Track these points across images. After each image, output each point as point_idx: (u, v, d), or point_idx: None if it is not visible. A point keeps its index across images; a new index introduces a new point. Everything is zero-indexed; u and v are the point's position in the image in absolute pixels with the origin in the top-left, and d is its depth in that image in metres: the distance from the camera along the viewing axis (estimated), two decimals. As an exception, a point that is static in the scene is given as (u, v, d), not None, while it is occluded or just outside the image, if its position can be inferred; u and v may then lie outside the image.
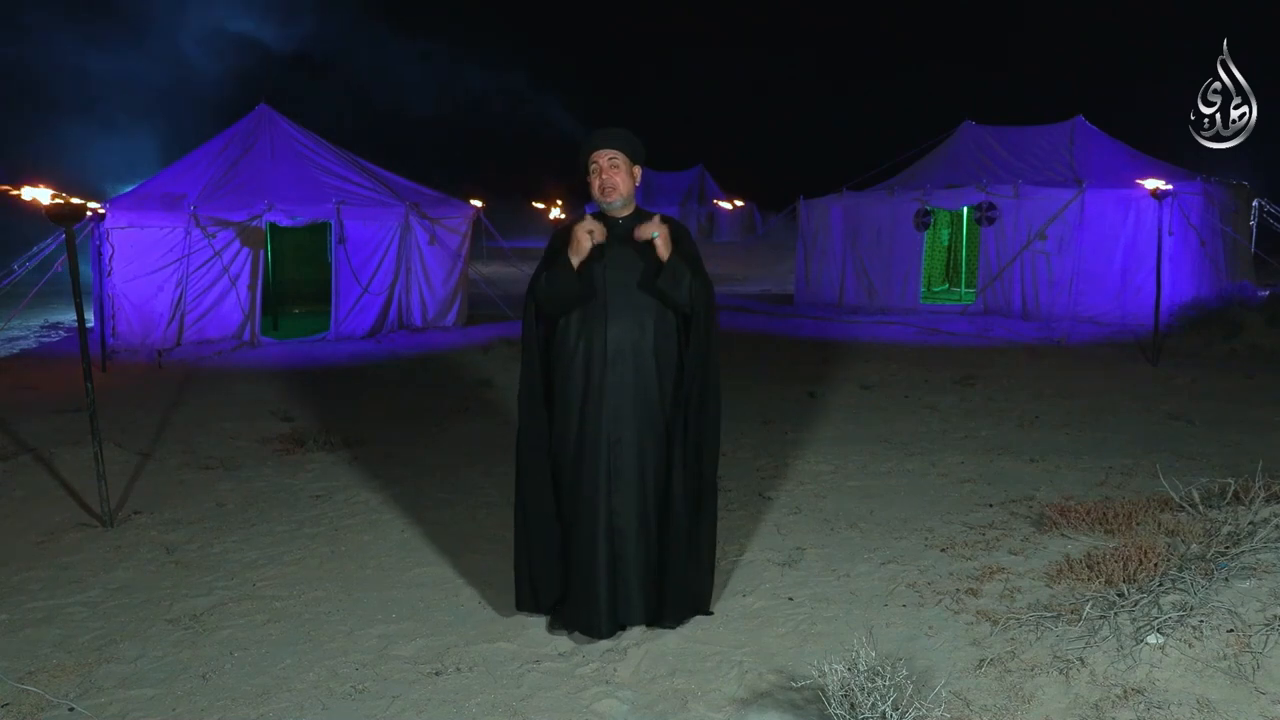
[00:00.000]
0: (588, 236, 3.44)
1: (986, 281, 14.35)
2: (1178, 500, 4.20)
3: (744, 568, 4.24)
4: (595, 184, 3.55)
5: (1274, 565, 3.35)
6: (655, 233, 3.45)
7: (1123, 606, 3.27)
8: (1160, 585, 3.34)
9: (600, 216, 3.61)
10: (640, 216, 3.61)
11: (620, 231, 3.56)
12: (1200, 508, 4.11)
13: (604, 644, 3.50)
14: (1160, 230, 10.52)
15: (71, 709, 3.18)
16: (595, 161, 3.54)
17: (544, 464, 3.58)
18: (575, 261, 3.46)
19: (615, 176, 3.53)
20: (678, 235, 3.62)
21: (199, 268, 12.09)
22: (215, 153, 13.29)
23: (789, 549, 4.46)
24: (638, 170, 3.60)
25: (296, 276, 16.19)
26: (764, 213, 37.31)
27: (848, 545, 4.49)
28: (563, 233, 3.70)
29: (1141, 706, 2.80)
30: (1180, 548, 3.69)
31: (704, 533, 3.67)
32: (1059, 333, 12.23)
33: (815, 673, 2.88)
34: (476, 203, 14.69)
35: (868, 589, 3.94)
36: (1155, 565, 3.50)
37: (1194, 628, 3.04)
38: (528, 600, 3.70)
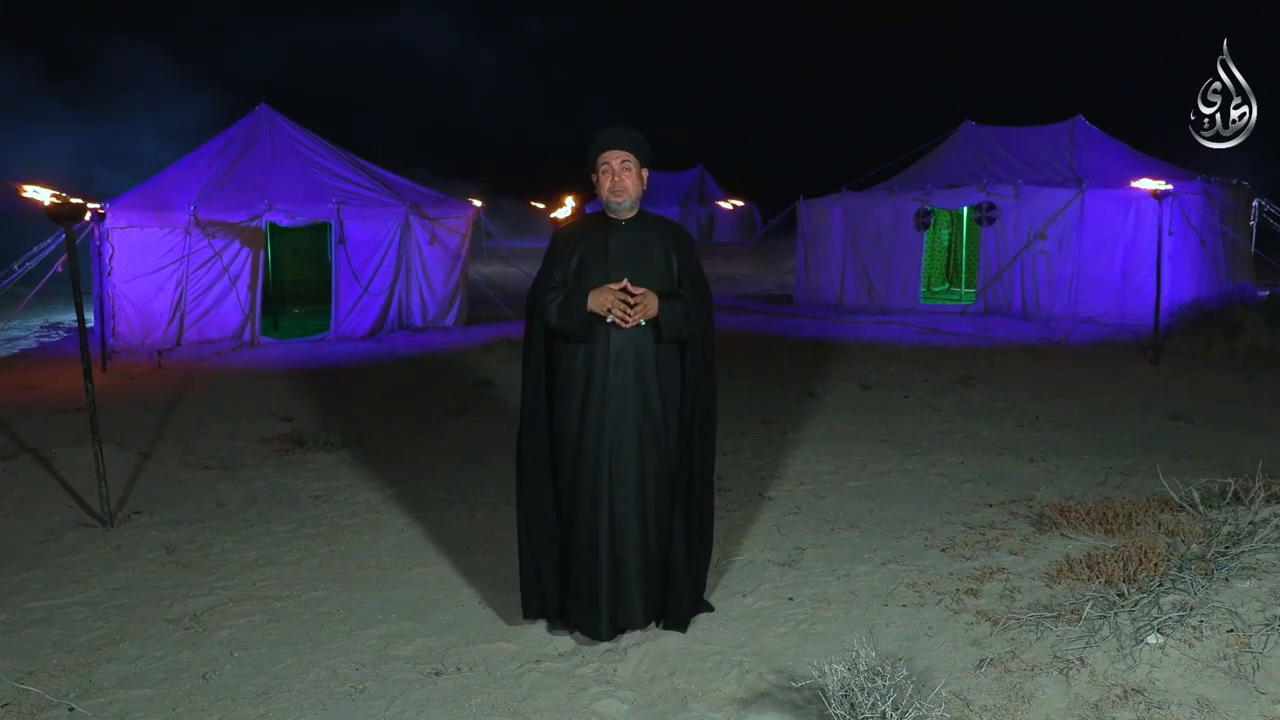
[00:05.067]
0: (605, 309, 3.40)
1: (986, 281, 14.35)
2: (1178, 500, 4.20)
3: (744, 568, 4.24)
4: (605, 183, 3.52)
5: (1274, 565, 3.35)
6: (643, 320, 3.43)
7: (1123, 606, 3.27)
8: (1160, 585, 3.34)
9: (603, 217, 3.60)
10: (643, 219, 3.60)
11: (625, 234, 3.55)
12: (1200, 508, 4.11)
13: (604, 644, 3.50)
14: (1160, 230, 10.52)
15: (71, 709, 3.18)
16: (607, 161, 3.50)
17: (545, 468, 3.58)
18: (591, 306, 3.42)
19: (626, 179, 3.50)
20: (680, 241, 3.61)
21: (199, 268, 12.09)
22: (215, 153, 13.29)
23: (789, 549, 4.46)
24: (645, 173, 3.58)
25: (296, 276, 16.20)
26: (764, 213, 37.24)
27: (848, 545, 4.49)
28: (564, 234, 3.70)
29: (1141, 706, 2.80)
30: (1180, 548, 3.69)
31: (705, 533, 3.67)
32: (1059, 333, 12.23)
33: (815, 673, 2.88)
34: (476, 203, 14.68)
35: (868, 589, 3.94)
36: (1155, 565, 3.49)
37: (1194, 628, 3.04)
38: (535, 608, 3.68)
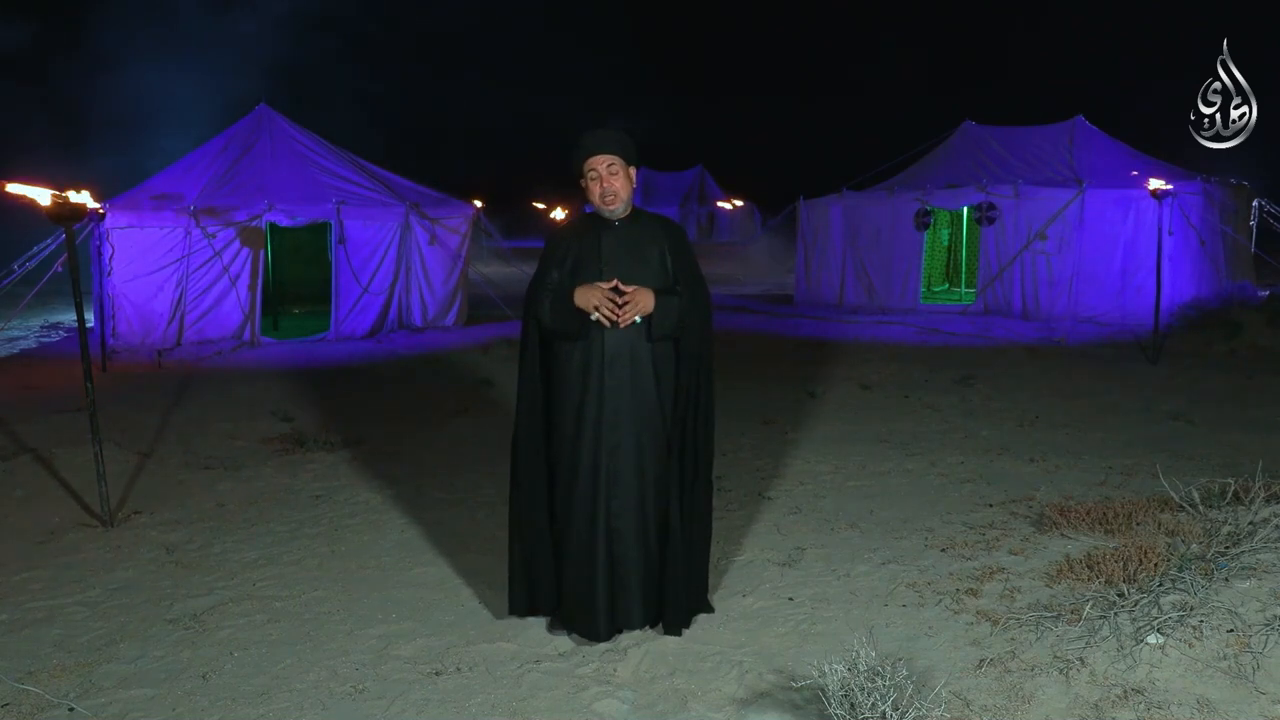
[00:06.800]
0: (593, 308, 3.39)
1: (986, 281, 14.35)
2: (1178, 500, 4.20)
3: (744, 568, 4.24)
4: (595, 191, 3.50)
5: (1274, 565, 3.35)
6: (638, 318, 3.42)
7: (1123, 606, 3.27)
8: (1160, 585, 3.34)
9: (596, 218, 3.60)
10: (638, 217, 3.60)
11: (618, 234, 3.55)
12: (1200, 508, 4.11)
13: (604, 644, 3.50)
14: (1160, 230, 10.52)
15: (71, 709, 3.18)
16: (593, 168, 3.48)
17: (540, 469, 3.57)
18: (578, 304, 3.42)
19: (615, 183, 3.49)
20: (676, 240, 3.61)
21: (199, 268, 12.10)
22: (215, 153, 13.29)
23: (789, 549, 4.46)
24: (633, 171, 3.57)
25: (296, 276, 16.20)
26: (764, 213, 37.25)
27: (848, 545, 4.49)
28: (558, 235, 3.69)
29: (1141, 706, 2.80)
30: (1180, 548, 3.69)
31: (703, 533, 3.67)
32: (1059, 333, 12.23)
33: (815, 673, 2.88)
34: (477, 203, 14.68)
35: (868, 589, 3.93)
36: (1155, 565, 3.50)
37: (1194, 628, 3.04)
38: (521, 605, 3.69)
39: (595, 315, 3.41)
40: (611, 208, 3.51)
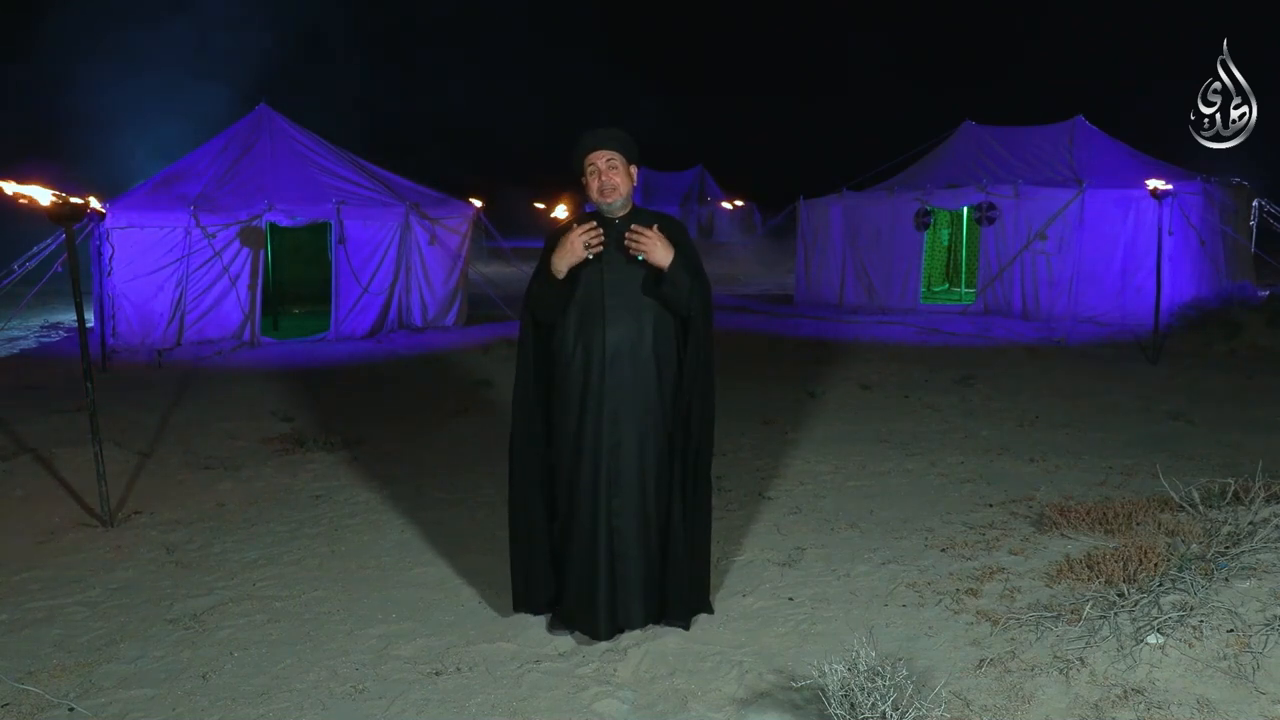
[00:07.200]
0: (583, 248, 3.42)
1: (986, 281, 14.35)
2: (1178, 500, 4.20)
3: (744, 568, 4.24)
4: (594, 185, 3.52)
5: (1274, 565, 3.35)
6: (640, 255, 3.44)
7: (1123, 606, 3.27)
8: (1160, 585, 3.34)
9: (597, 217, 3.60)
10: (638, 216, 3.60)
11: (618, 232, 3.55)
12: (1200, 508, 4.11)
13: (604, 644, 3.50)
14: (1160, 230, 10.52)
15: (71, 709, 3.18)
16: (593, 163, 3.51)
17: (536, 465, 3.58)
18: (563, 268, 3.44)
19: (615, 177, 3.51)
20: (677, 236, 3.61)
21: (199, 268, 12.10)
22: (215, 153, 13.29)
23: (789, 549, 4.46)
24: (634, 169, 3.58)
25: (296, 276, 16.20)
26: (764, 213, 37.18)
27: (848, 545, 4.49)
28: (560, 233, 3.69)
29: (1141, 706, 2.80)
30: (1180, 548, 3.69)
31: (703, 531, 3.67)
32: (1059, 333, 12.23)
33: (815, 673, 2.88)
34: (476, 203, 14.68)
35: (868, 589, 3.94)
36: (1155, 565, 3.50)
37: (1194, 628, 3.04)
38: (523, 600, 3.71)
39: (589, 253, 3.43)
40: (609, 201, 3.52)
